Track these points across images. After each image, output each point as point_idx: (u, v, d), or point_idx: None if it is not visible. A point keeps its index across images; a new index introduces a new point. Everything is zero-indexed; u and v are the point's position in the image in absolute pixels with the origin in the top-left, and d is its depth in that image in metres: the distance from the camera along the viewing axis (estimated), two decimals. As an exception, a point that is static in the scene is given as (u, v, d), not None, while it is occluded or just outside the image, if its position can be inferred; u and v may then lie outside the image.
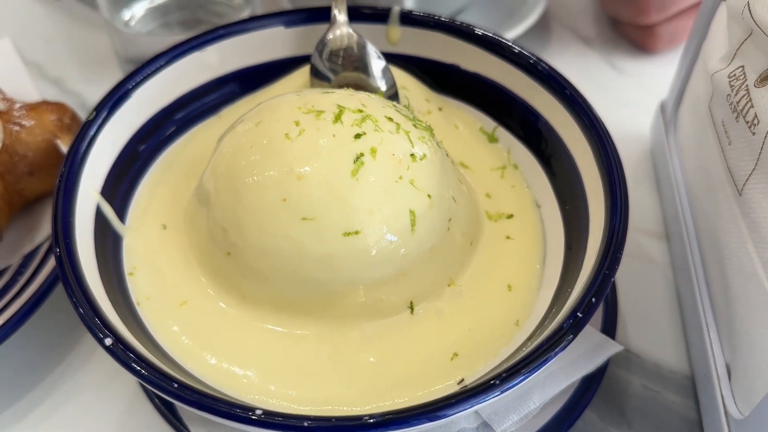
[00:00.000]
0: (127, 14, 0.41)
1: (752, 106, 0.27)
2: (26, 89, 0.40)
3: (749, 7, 0.28)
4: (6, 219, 0.34)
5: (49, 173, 0.35)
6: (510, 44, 0.32)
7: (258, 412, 0.21)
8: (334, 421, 0.20)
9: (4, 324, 0.30)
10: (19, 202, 0.35)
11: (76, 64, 0.48)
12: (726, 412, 0.28)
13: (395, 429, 0.20)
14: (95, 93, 0.45)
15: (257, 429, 0.21)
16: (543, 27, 0.50)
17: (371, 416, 0.20)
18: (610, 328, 0.31)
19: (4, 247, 0.34)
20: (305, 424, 0.20)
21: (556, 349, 0.22)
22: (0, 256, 0.34)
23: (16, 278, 0.33)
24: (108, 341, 0.22)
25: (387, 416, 0.20)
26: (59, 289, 0.31)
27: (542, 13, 0.46)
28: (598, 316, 0.31)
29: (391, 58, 0.35)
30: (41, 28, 0.51)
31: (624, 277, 0.35)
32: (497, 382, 0.21)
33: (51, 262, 0.33)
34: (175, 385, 0.21)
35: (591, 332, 0.29)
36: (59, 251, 0.25)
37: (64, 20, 0.51)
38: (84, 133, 0.28)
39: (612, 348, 0.29)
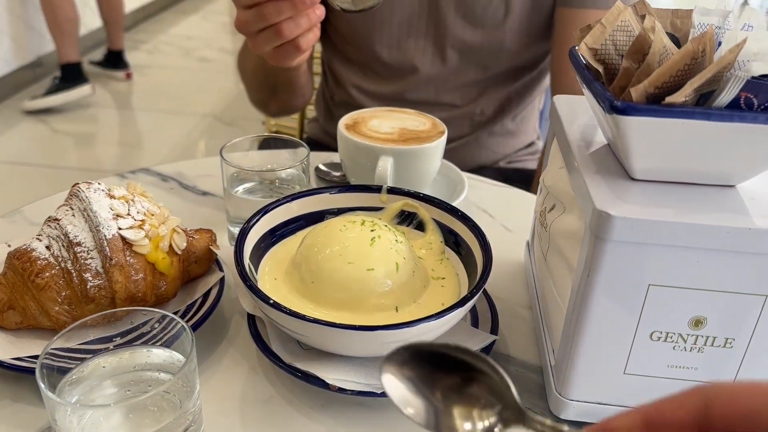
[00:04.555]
0: (236, 189, 0.75)
1: (545, 219, 0.61)
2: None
3: (543, 179, 0.63)
4: (180, 285, 0.64)
5: (204, 263, 0.65)
6: (450, 205, 0.66)
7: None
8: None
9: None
10: (186, 277, 0.65)
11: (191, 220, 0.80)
12: (551, 368, 0.57)
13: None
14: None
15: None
16: (466, 205, 0.85)
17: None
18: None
19: (177, 300, 0.64)
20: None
21: (452, 310, 0.52)
22: (175, 303, 0.64)
23: (185, 314, 0.62)
24: (271, 301, 0.52)
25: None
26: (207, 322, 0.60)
27: (465, 196, 0.82)
28: (487, 330, 0.61)
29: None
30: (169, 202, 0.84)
31: (508, 325, 0.66)
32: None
33: (204, 308, 0.62)
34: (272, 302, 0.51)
35: (483, 333, 0.59)
36: (242, 270, 0.55)
37: (178, 200, 0.86)
38: (242, 232, 0.60)
39: (493, 337, 0.58)
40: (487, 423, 0.31)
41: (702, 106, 0.45)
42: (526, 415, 0.30)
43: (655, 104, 0.45)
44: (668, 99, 0.43)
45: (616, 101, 0.44)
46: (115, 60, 3.55)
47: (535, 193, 1.15)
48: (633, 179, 0.50)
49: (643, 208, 0.46)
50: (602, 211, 0.45)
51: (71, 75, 3.11)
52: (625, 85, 0.47)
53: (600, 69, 0.48)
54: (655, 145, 0.46)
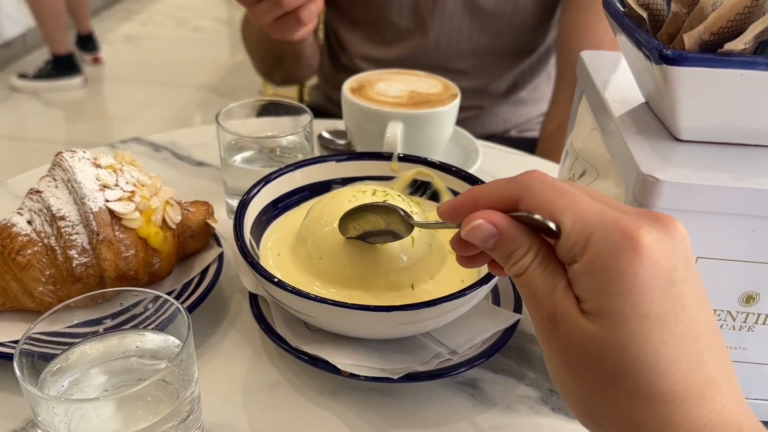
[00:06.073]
0: (234, 158, 0.70)
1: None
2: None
3: (571, 143, 0.57)
4: (175, 262, 0.59)
5: (201, 238, 0.60)
6: (469, 173, 0.61)
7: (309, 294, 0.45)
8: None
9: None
10: (182, 254, 0.60)
11: (186, 192, 0.75)
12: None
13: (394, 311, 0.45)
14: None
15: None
16: (480, 175, 0.79)
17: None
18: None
19: (172, 278, 0.59)
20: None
21: (474, 289, 0.47)
22: (170, 282, 0.59)
23: (181, 294, 0.57)
24: (275, 280, 0.47)
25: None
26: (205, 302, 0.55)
27: (479, 166, 0.76)
28: (510, 308, 0.56)
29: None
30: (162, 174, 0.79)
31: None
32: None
33: (201, 287, 0.57)
34: (275, 279, 0.46)
35: (506, 311, 0.54)
36: (242, 245, 0.50)
37: (172, 170, 0.80)
38: (242, 203, 0.55)
39: (517, 316, 0.54)
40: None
41: (762, 54, 0.40)
42: (410, 224, 0.48)
43: (711, 53, 0.39)
44: (727, 46, 0.38)
45: (666, 50, 0.39)
46: (83, 43, 3.36)
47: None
48: (677, 140, 0.45)
49: (693, 172, 0.41)
50: (648, 176, 0.40)
51: (63, 66, 3.03)
52: (673, 33, 0.41)
53: (644, 15, 0.43)
54: (709, 99, 0.41)
